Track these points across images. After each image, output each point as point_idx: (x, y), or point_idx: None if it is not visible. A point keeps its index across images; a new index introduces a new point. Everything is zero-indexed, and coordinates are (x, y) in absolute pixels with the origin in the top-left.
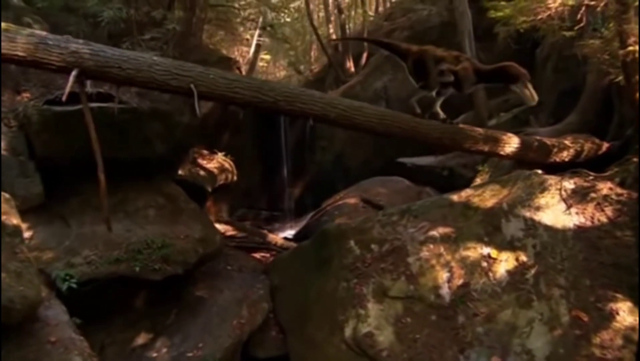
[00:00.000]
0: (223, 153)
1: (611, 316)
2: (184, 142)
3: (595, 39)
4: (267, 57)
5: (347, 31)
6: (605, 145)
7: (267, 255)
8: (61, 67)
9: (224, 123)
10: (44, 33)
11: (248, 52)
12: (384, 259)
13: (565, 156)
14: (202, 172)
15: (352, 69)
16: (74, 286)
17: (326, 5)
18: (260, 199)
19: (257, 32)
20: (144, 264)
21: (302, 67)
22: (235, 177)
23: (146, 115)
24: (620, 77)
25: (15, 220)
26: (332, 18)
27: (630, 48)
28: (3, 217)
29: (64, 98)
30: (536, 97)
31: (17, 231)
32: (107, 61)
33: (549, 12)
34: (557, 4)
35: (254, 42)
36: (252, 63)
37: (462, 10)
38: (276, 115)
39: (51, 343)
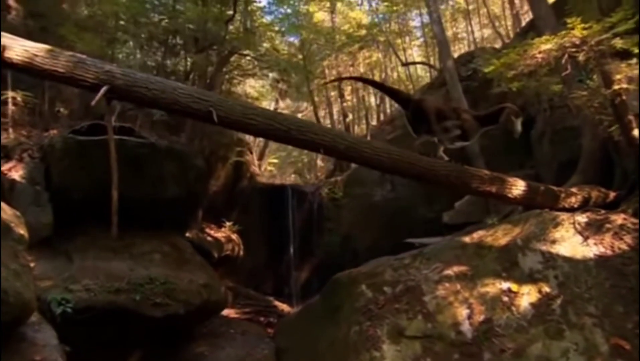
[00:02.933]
0: (231, 223)
1: None
2: (196, 190)
3: (582, 90)
4: (275, 160)
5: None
6: (612, 194)
7: (272, 331)
8: (94, 84)
9: (232, 202)
10: (83, 56)
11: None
12: (398, 300)
13: (574, 202)
14: (209, 238)
15: None
16: (69, 310)
17: (331, 113)
18: (266, 281)
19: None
20: (145, 296)
21: (307, 176)
22: (241, 252)
23: (163, 152)
24: (615, 127)
25: (22, 230)
26: (337, 125)
27: (616, 87)
28: (11, 224)
29: (93, 103)
30: (520, 129)
31: (22, 239)
32: (136, 81)
33: (535, 60)
34: (541, 54)
35: None
36: (262, 152)
37: (457, 97)
38: (284, 194)
39: None
